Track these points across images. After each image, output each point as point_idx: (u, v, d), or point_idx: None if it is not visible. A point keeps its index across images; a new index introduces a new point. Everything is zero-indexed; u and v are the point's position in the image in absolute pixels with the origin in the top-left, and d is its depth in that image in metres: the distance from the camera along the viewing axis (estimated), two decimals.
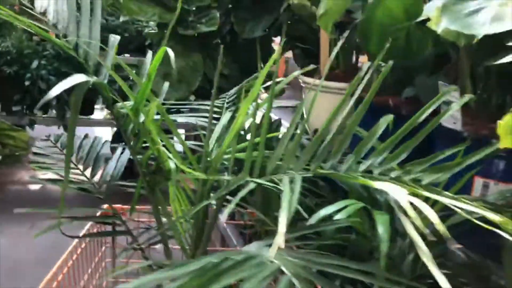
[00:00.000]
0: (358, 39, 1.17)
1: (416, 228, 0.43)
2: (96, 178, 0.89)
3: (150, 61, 0.77)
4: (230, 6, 1.85)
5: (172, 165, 0.61)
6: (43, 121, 2.96)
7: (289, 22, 1.64)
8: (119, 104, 0.66)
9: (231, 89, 1.08)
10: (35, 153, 0.88)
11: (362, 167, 0.58)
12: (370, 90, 0.75)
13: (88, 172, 0.89)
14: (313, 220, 0.61)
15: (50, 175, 3.59)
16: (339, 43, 0.74)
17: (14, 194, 3.32)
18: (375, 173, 0.56)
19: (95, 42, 0.73)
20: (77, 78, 0.55)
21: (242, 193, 0.53)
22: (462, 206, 0.47)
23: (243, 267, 0.44)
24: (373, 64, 0.70)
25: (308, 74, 1.48)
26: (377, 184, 0.47)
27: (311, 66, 0.85)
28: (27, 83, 2.76)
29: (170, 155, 0.64)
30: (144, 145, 0.70)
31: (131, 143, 0.70)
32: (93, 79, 0.59)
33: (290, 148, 0.66)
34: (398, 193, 0.43)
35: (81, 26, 0.73)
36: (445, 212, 0.80)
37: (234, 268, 0.41)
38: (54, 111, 3.01)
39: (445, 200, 0.45)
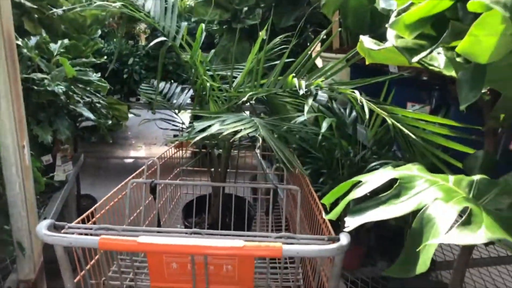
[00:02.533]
0: (341, 19, 1.68)
1: None
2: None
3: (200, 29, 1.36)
4: (273, 4, 2.43)
5: (208, 84, 1.20)
6: (135, 105, 3.76)
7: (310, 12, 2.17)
8: (183, 56, 1.27)
9: None
10: (141, 89, 1.54)
11: (307, 81, 1.12)
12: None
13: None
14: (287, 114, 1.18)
15: (140, 153, 4.52)
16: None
17: (114, 165, 4.21)
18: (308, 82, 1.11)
19: (173, 26, 1.35)
20: (162, 38, 1.17)
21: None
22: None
23: (233, 114, 1.03)
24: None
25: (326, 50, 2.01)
26: (294, 82, 1.02)
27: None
28: (125, 76, 3.56)
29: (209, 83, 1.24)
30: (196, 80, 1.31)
31: (190, 78, 1.31)
32: (170, 41, 1.20)
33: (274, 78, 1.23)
34: (296, 82, 0.98)
35: (166, 18, 1.36)
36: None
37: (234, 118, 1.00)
38: (144, 99, 3.81)
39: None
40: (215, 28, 2.78)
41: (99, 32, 2.57)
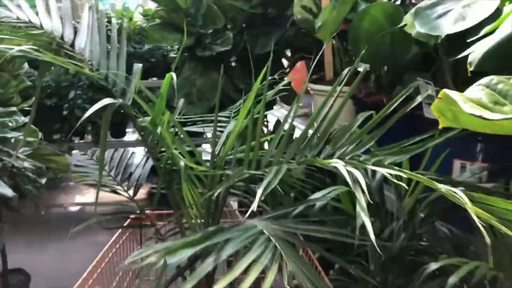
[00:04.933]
0: (349, 45, 1.29)
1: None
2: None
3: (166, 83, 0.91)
4: (244, 25, 2.01)
5: (182, 163, 0.75)
6: (80, 146, 3.19)
7: (295, 35, 1.77)
8: (140, 119, 0.81)
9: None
10: (76, 165, 1.05)
11: (337, 154, 0.70)
12: (364, 90, 0.86)
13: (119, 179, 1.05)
14: (300, 204, 0.75)
15: (86, 198, 3.81)
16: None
17: (56, 215, 3.58)
18: (346, 158, 0.68)
19: (121, 72, 0.89)
20: (106, 101, 0.71)
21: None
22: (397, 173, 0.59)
23: (231, 231, 0.58)
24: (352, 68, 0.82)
25: (317, 81, 1.60)
26: (333, 164, 0.59)
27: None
28: (65, 112, 3.00)
29: (182, 157, 0.79)
30: (162, 150, 0.85)
31: (152, 150, 0.85)
32: (119, 101, 0.74)
33: (280, 145, 0.79)
34: (340, 167, 0.55)
35: (110, 59, 0.89)
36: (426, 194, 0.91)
37: (222, 231, 0.55)
38: (90, 137, 3.26)
39: (389, 171, 0.56)
40: (173, 55, 2.32)
41: (26, 65, 2.04)
